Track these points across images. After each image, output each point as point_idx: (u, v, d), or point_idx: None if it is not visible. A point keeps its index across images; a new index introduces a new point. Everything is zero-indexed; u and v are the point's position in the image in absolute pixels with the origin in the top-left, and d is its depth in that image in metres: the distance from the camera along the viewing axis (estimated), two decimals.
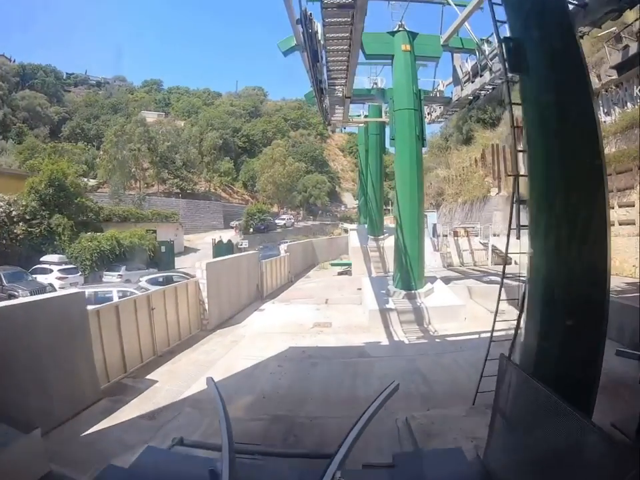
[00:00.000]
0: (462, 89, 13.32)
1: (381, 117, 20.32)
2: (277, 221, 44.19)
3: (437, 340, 10.34)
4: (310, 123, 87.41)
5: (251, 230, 39.43)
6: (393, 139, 12.04)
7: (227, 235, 39.49)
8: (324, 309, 13.33)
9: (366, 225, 22.98)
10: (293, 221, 47.30)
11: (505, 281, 5.98)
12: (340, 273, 21.22)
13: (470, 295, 14.46)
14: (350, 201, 73.88)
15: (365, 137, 26.84)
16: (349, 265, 21.01)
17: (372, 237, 20.87)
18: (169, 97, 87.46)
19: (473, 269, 20.10)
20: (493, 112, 35.29)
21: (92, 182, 52.97)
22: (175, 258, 32.65)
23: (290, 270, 19.60)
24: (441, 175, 32.46)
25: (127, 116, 64.62)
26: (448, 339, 10.39)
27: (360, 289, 14.87)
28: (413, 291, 11.92)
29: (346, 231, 59.10)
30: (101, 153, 53.06)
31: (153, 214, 33.52)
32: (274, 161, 53.72)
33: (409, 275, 12.01)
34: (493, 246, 22.68)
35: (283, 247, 19.92)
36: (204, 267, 11.11)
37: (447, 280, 14.78)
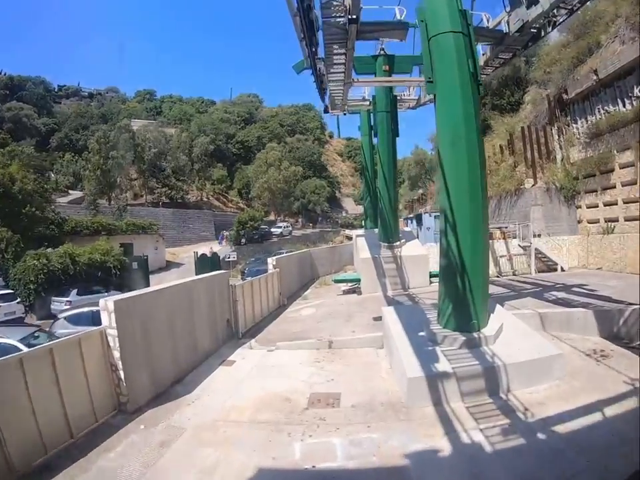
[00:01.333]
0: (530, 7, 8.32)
1: (391, 94, 15.52)
2: (272, 230, 39.35)
3: (541, 436, 5.35)
4: (307, 128, 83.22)
5: (243, 240, 34.55)
6: (430, 81, 7.17)
7: (218, 247, 34.74)
8: (327, 361, 8.38)
9: (376, 230, 18.11)
10: (290, 229, 42.43)
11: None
12: (346, 291, 16.26)
13: (543, 325, 9.52)
14: (351, 207, 69.06)
15: (367, 123, 22.15)
16: (357, 280, 16.05)
17: (385, 244, 15.94)
18: (160, 106, 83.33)
19: (519, 281, 15.12)
20: (511, 96, 30.59)
21: (78, 193, 48.63)
22: (153, 275, 27.77)
23: (281, 291, 14.66)
24: None
25: (114, 125, 60.42)
26: (558, 429, 5.41)
27: (378, 319, 9.92)
28: (474, 335, 6.95)
29: (349, 238, 54.07)
30: (83, 162, 48.52)
31: (128, 225, 28.69)
32: (268, 165, 49.11)
33: (466, 307, 7.05)
34: (536, 250, 17.72)
35: (271, 261, 14.90)
36: (111, 308, 6.20)
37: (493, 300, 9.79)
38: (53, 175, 54.25)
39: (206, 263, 25.86)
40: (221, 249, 33.11)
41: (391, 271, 15.17)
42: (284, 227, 40.72)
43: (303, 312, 13.07)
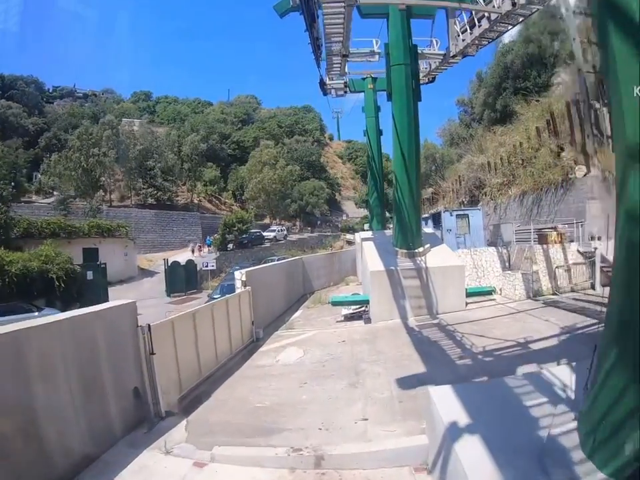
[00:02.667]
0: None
1: (410, 41, 10.76)
2: (265, 234, 34.56)
3: None
4: (306, 129, 78.72)
5: (230, 245, 29.76)
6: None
7: (194, 255, 30.05)
8: None
9: (387, 232, 13.40)
10: (285, 232, 37.57)
11: None
12: (348, 317, 11.44)
13: None
14: (352, 210, 64.26)
15: (372, 102, 17.68)
16: (365, 302, 11.22)
17: (403, 250, 11.16)
18: (154, 105, 79.03)
19: (592, 301, 10.29)
20: (537, 77, 25.96)
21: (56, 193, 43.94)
22: (119, 286, 23.08)
23: (254, 319, 9.85)
24: (476, 162, 22.87)
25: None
26: None
27: (408, 384, 5.15)
28: None
29: (350, 242, 49.18)
30: (63, 159, 43.94)
31: (92, 227, 23.95)
32: (263, 164, 44.43)
33: None
34: (602, 257, 12.91)
35: (239, 276, 10.00)
36: None
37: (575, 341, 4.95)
38: (39, 176, 50.02)
39: (178, 274, 21.12)
40: (202, 255, 28.35)
41: (413, 289, 10.41)
42: (278, 231, 35.87)
43: (282, 356, 8.25)
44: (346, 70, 14.60)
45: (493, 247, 13.65)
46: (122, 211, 35.78)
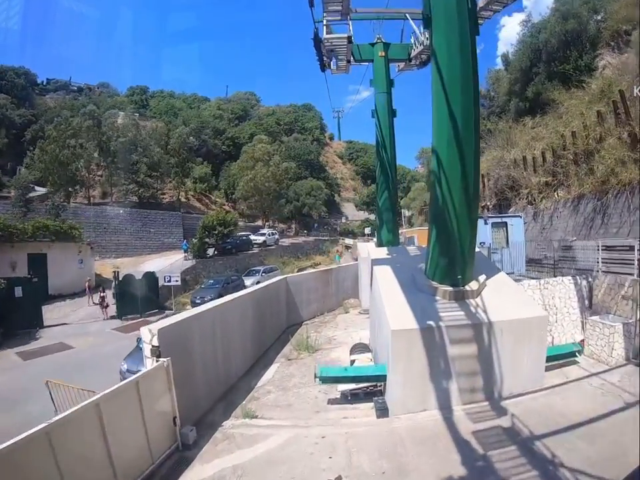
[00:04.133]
0: None
1: None
2: (253, 238, 29.78)
3: None
4: (306, 127, 74.04)
5: (210, 252, 25.01)
6: None
7: (179, 257, 25.34)
8: None
9: (411, 250, 8.76)
10: (276, 236, 32.64)
11: None
12: (348, 397, 6.73)
13: None
14: (352, 212, 59.54)
15: (384, 73, 13.09)
16: (379, 377, 6.45)
17: (445, 287, 6.42)
18: (146, 99, 74.28)
19: None
20: (579, 59, 21.26)
21: (41, 190, 39.18)
22: (68, 301, 18.53)
23: (178, 411, 5.20)
24: (508, 158, 18.17)
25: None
26: None
27: None
28: None
29: (349, 247, 44.38)
30: (38, 152, 39.30)
31: (36, 229, 19.18)
32: (256, 160, 39.69)
33: None
34: None
35: (148, 337, 5.36)
36: None
37: None
38: (23, 169, 45.33)
39: (133, 290, 16.32)
40: (183, 262, 23.60)
41: (464, 360, 5.73)
42: (268, 235, 30.96)
43: None
44: (350, 6, 9.88)
45: (569, 278, 8.91)
46: (92, 209, 30.99)
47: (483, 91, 30.02)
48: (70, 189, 37.46)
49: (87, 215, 29.64)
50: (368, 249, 11.12)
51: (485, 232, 13.75)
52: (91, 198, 40.82)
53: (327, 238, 40.60)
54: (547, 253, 14.06)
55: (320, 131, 78.59)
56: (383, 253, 9.24)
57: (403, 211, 46.85)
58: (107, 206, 35.79)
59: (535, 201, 16.24)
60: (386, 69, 13.36)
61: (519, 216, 14.40)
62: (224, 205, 49.48)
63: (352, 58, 13.60)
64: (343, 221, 53.04)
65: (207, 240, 24.36)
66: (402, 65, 15.00)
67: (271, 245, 30.66)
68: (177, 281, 16.42)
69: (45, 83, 79.28)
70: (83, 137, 40.33)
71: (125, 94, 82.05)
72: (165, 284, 16.56)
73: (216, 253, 25.17)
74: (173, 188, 45.21)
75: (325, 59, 14.40)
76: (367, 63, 14.19)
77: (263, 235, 30.66)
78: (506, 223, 14.00)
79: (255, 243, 29.16)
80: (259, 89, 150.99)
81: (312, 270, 13.24)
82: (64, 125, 41.00)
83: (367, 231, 48.28)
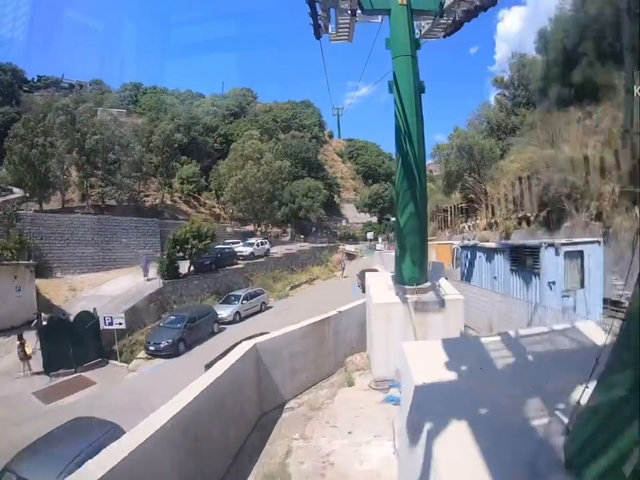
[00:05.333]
0: None
1: None
2: (238, 249, 25.20)
3: None
4: (304, 124, 69.46)
5: (184, 270, 20.48)
6: None
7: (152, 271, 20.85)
8: None
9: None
10: (267, 246, 27.99)
11: None
12: None
13: None
14: (352, 214, 54.91)
15: (407, 27, 8.42)
16: None
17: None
18: (135, 95, 69.51)
19: None
20: None
21: (18, 193, 34.64)
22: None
23: None
24: (562, 158, 13.57)
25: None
26: None
27: None
28: None
29: (350, 255, 39.37)
30: (7, 152, 34.81)
31: None
32: (246, 158, 35.08)
33: None
34: None
35: None
36: None
37: None
38: (3, 170, 40.75)
39: (63, 336, 11.79)
40: (147, 284, 19.07)
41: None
42: (257, 245, 26.32)
43: None
44: None
45: None
46: (54, 218, 26.34)
47: (506, 79, 25.44)
48: (44, 192, 33.11)
49: (48, 225, 25.10)
50: (382, 291, 6.80)
51: (555, 265, 9.18)
52: (68, 202, 36.41)
53: (325, 245, 36.04)
54: (628, 293, 9.58)
55: (319, 128, 74.10)
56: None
57: None
58: (74, 213, 31.24)
59: (604, 216, 11.72)
60: (409, 23, 8.75)
61: (596, 241, 9.82)
62: (214, 207, 44.93)
63: (359, 7, 8.99)
64: (343, 224, 48.52)
65: (179, 255, 19.81)
66: (426, 26, 10.41)
67: (261, 257, 26.12)
68: (120, 323, 11.92)
69: (35, 80, 74.78)
70: (56, 134, 35.84)
71: (117, 91, 77.42)
72: (106, 327, 12.05)
73: (191, 270, 20.65)
74: (157, 189, 40.66)
75: (320, 18, 9.81)
76: (380, 19, 9.60)
77: (251, 245, 26.02)
78: (582, 252, 9.44)
79: (241, 256, 24.62)
80: (257, 86, 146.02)
81: (298, 326, 8.61)
82: (33, 122, 36.31)
83: (370, 235, 43.74)
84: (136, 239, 27.24)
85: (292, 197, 42.24)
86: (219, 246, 23.66)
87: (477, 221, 19.23)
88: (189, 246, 19.52)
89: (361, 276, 23.69)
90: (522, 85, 23.22)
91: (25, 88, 66.83)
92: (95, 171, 36.72)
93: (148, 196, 40.86)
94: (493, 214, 16.81)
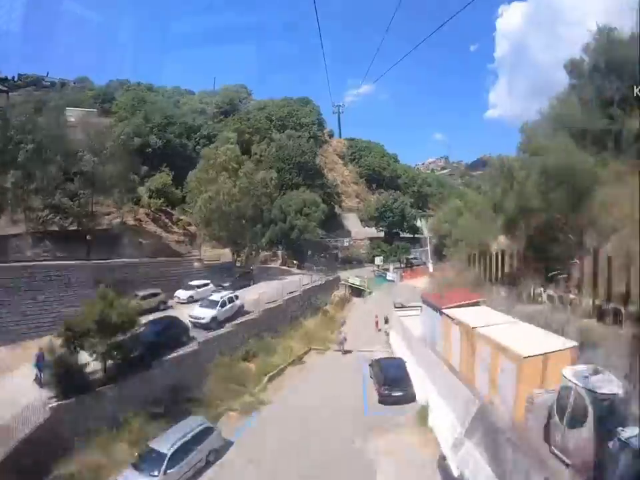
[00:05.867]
0: None
1: None
2: (193, 318, 17.13)
3: None
4: (301, 123, 61.47)
5: (101, 369, 12.59)
6: None
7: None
8: None
9: None
10: (238, 303, 19.81)
11: None
12: None
13: None
14: (356, 227, 46.88)
15: None
16: None
17: None
18: (112, 92, 61.49)
19: None
20: None
21: None
22: None
23: None
24: None
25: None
26: None
27: None
28: None
29: (355, 289, 30.55)
30: None
31: None
32: (220, 169, 27.05)
33: None
34: None
35: None
36: None
37: None
38: None
39: None
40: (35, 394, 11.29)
41: None
42: (222, 303, 17.92)
43: None
44: None
45: None
46: None
47: (585, 65, 17.16)
48: None
49: None
50: None
51: None
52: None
53: (321, 282, 28.02)
54: None
55: (318, 127, 65.97)
56: None
57: (427, 236, 34.18)
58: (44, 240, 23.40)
59: None
60: None
61: None
62: (189, 226, 36.91)
63: None
64: (346, 243, 40.35)
65: (79, 349, 11.93)
66: None
67: (229, 320, 18.13)
68: None
69: (15, 79, 66.95)
70: None
71: (100, 89, 69.47)
72: None
73: (112, 371, 12.74)
74: (116, 208, 32.66)
75: None
76: None
77: (214, 305, 17.83)
78: None
79: (197, 324, 16.67)
80: (253, 83, 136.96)
81: None
82: None
83: (378, 261, 35.71)
84: (61, 292, 19.33)
85: (283, 213, 34.25)
86: (163, 316, 15.72)
87: (570, 296, 11.35)
88: (95, 339, 11.66)
89: (374, 366, 15.84)
90: (615, 71, 15.15)
91: (2, 88, 58.77)
92: (28, 188, 28.71)
93: (108, 214, 32.99)
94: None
